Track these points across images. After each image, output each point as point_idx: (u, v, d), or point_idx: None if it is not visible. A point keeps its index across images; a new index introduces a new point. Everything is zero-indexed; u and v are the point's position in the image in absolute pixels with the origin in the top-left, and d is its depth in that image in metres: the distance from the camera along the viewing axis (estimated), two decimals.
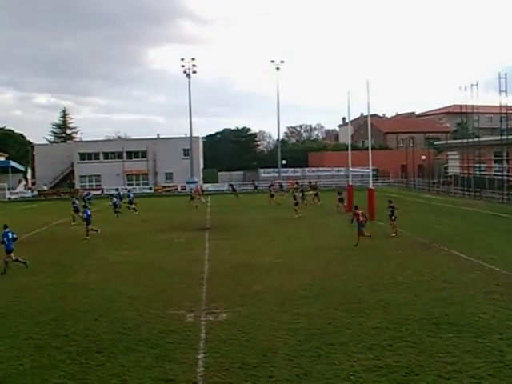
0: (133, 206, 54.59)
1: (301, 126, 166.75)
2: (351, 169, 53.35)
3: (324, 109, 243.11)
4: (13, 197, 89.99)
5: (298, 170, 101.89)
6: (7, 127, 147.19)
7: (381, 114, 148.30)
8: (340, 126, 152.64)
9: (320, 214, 47.21)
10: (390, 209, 32.57)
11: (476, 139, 67.13)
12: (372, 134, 50.69)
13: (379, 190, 64.28)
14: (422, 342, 14.09)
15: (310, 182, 73.35)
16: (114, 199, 53.28)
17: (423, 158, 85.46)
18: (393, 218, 32.40)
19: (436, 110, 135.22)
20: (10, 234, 25.65)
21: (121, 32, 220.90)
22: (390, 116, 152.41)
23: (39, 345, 14.82)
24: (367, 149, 47.87)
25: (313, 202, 55.81)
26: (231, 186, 79.80)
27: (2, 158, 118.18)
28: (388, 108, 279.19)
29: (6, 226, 26.33)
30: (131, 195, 58.75)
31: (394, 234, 32.00)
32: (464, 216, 43.99)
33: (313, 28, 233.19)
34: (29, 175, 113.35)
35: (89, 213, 37.00)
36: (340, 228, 36.72)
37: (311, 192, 59.11)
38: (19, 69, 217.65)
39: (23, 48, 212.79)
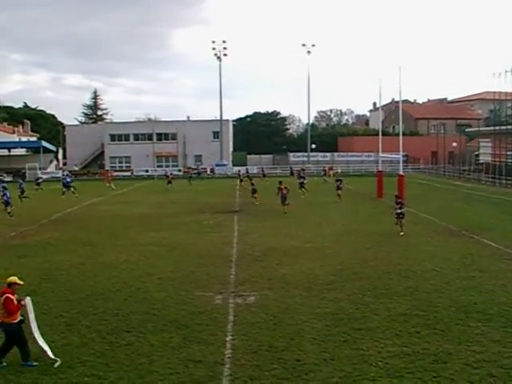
0: (71, 189, 55.02)
1: (331, 111, 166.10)
2: (381, 154, 53.01)
3: (354, 94, 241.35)
4: (44, 176, 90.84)
5: (328, 154, 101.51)
6: (39, 108, 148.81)
7: (412, 100, 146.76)
8: (370, 111, 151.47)
9: (350, 199, 47.03)
10: (399, 205, 28.98)
11: (509, 126, 66.28)
12: (403, 120, 50.19)
13: (409, 176, 63.73)
14: (450, 330, 14.03)
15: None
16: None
17: (454, 144, 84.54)
18: (401, 215, 28.77)
19: (468, 96, 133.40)
20: None
21: (149, 14, 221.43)
22: (421, 102, 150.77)
23: (70, 323, 15.05)
24: (398, 134, 47.53)
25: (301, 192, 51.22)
26: (262, 169, 79.51)
27: (34, 138, 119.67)
28: (419, 93, 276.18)
29: None
30: (68, 179, 58.81)
31: (402, 233, 28.00)
32: (495, 204, 43.53)
33: (345, 12, 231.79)
34: (60, 155, 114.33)
35: (8, 195, 39.36)
36: (370, 213, 36.60)
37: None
38: (50, 50, 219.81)
39: (54, 29, 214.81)
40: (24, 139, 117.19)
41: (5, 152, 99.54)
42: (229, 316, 15.43)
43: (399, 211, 28.66)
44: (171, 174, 69.43)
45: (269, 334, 13.87)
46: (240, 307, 16.25)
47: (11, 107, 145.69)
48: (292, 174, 76.27)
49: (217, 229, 31.19)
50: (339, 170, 79.72)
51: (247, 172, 75.17)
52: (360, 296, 17.16)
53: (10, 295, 12.18)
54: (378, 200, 46.11)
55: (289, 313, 15.60)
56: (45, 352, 12.34)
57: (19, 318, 12.30)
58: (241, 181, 62.13)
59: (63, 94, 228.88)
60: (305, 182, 50.71)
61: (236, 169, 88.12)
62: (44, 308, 16.36)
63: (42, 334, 13.87)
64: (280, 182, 40.83)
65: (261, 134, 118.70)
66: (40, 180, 69.43)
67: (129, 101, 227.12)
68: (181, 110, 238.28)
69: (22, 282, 12.68)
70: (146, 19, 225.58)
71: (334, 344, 13.14)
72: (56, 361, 12.22)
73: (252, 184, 46.92)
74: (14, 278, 12.59)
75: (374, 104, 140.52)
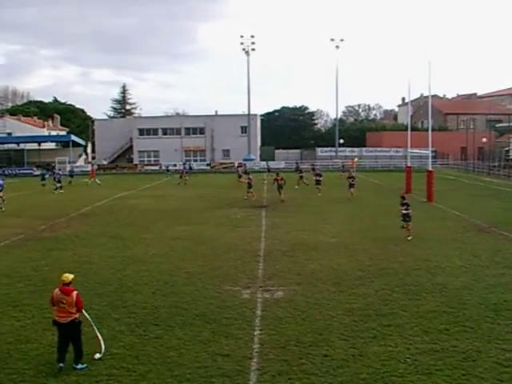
0: (59, 184, 54.93)
1: (359, 106, 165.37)
2: (410, 150, 52.61)
3: (383, 88, 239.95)
4: (74, 170, 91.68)
5: (356, 149, 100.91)
6: (68, 102, 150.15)
7: (441, 95, 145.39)
8: (399, 106, 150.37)
9: (378, 194, 46.81)
10: (404, 206, 26.34)
11: None
12: (432, 115, 49.73)
13: (438, 171, 63.20)
14: (480, 327, 13.91)
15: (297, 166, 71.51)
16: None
17: (484, 140, 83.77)
18: (407, 218, 26.13)
19: (498, 91, 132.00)
20: None
21: (177, 8, 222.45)
22: (450, 97, 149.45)
23: (99, 315, 15.14)
24: (427, 130, 47.19)
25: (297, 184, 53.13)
26: (296, 163, 78.82)
27: (64, 133, 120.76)
28: (449, 88, 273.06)
29: None
30: (60, 173, 58.46)
31: (409, 238, 25.64)
32: None
33: (373, 6, 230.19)
34: (89, 149, 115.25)
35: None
36: (398, 209, 36.29)
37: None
38: (80, 45, 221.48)
39: (83, 24, 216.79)
40: (54, 133, 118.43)
41: (35, 146, 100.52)
42: (257, 310, 15.46)
43: (405, 212, 26.18)
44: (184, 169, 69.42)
45: (297, 329, 13.88)
46: (268, 302, 16.27)
47: (41, 102, 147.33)
48: (298, 170, 68.90)
49: (245, 223, 31.23)
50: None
51: (245, 167, 75.18)
52: (388, 292, 17.09)
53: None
54: (406, 196, 45.67)
55: (317, 308, 15.59)
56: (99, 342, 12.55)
57: None
58: (239, 176, 60.70)
59: (92, 89, 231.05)
60: (321, 179, 48.19)
61: (263, 163, 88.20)
62: None
63: None
64: (277, 174, 46.79)
65: (288, 128, 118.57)
66: (73, 173, 71.16)
67: (157, 95, 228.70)
68: (210, 104, 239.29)
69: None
70: (174, 14, 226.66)
71: (363, 340, 13.11)
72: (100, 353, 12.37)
73: (249, 179, 46.31)
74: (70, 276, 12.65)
75: (403, 99, 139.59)
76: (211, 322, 14.45)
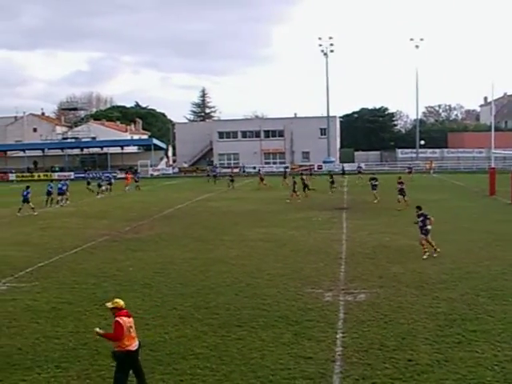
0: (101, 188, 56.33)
1: (439, 106, 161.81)
2: (494, 150, 51.21)
3: (464, 88, 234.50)
4: (155, 173, 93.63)
5: (437, 150, 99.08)
6: (149, 107, 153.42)
7: None
8: (481, 105, 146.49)
9: (461, 196, 45.82)
10: (421, 218, 22.80)
11: None
12: None
13: None
14: None
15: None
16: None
17: None
18: (424, 231, 22.35)
19: None
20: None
21: (254, 11, 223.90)
22: None
23: (183, 316, 15.41)
24: (511, 130, 45.81)
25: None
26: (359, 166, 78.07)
27: (145, 136, 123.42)
28: None
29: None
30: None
31: (428, 254, 22.04)
32: None
33: (453, 4, 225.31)
34: (170, 153, 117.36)
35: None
36: (481, 211, 35.50)
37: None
38: (159, 50, 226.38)
39: (163, 30, 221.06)
40: (136, 137, 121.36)
41: (118, 150, 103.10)
42: (339, 313, 15.34)
43: (422, 226, 22.47)
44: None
45: (380, 333, 13.70)
46: (350, 305, 16.13)
47: (124, 106, 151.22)
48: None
49: (326, 226, 31.09)
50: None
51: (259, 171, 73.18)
52: (474, 296, 16.64)
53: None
54: (490, 198, 44.60)
55: (400, 311, 15.34)
56: None
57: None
58: (261, 179, 60.53)
59: (172, 93, 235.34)
60: (377, 183, 43.88)
61: (342, 165, 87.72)
62: (158, 301, 16.90)
63: (156, 326, 14.40)
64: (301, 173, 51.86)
65: (368, 130, 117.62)
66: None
67: (235, 98, 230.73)
68: (287, 106, 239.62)
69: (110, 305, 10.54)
70: (250, 17, 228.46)
71: (448, 345, 12.81)
72: None
73: (296, 182, 45.54)
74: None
75: (485, 98, 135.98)
76: (293, 324, 14.44)
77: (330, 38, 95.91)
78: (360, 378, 11.24)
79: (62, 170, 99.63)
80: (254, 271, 20.38)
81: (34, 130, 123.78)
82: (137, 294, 17.63)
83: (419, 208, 23.72)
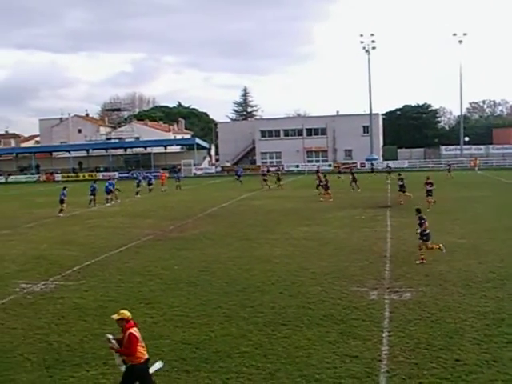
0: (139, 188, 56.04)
1: (484, 102, 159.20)
2: None
3: (509, 83, 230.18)
4: (198, 172, 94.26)
5: (482, 147, 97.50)
6: (192, 106, 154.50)
7: None
8: None
9: (506, 194, 45.03)
10: (421, 220, 21.44)
11: None
12: None
13: None
14: None
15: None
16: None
17: None
18: (424, 236, 21.03)
19: None
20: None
21: (295, 9, 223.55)
22: None
23: (228, 314, 15.48)
24: None
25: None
26: (388, 166, 76.88)
27: (188, 136, 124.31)
28: None
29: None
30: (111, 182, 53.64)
31: (425, 261, 20.69)
32: None
33: None
34: (212, 152, 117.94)
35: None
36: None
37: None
38: (201, 50, 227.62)
39: (204, 30, 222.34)
40: (179, 137, 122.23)
41: (161, 149, 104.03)
42: (384, 312, 15.23)
43: (421, 231, 21.20)
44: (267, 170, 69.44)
45: (426, 332, 13.54)
46: (396, 303, 15.99)
47: (166, 106, 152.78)
48: (264, 174, 63.92)
49: (369, 224, 30.86)
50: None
51: (268, 170, 75.07)
52: None
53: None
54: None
55: (447, 310, 15.15)
56: None
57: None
58: (278, 180, 59.55)
59: (214, 93, 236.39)
60: (432, 188, 39.40)
61: (386, 163, 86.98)
62: (203, 299, 17.01)
63: (201, 325, 14.49)
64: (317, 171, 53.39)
65: (411, 127, 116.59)
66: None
67: (276, 97, 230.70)
68: (329, 104, 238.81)
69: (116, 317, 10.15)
70: (290, 15, 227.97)
71: (496, 345, 12.59)
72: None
73: (326, 180, 45.42)
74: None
75: None
76: (339, 323, 14.38)
77: (372, 34, 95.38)
78: (407, 377, 11.15)
79: (106, 170, 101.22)
80: (298, 269, 20.35)
81: (79, 131, 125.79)
82: (182, 293, 17.79)
83: (418, 211, 22.26)
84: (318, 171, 57.23)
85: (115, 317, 10.06)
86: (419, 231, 21.26)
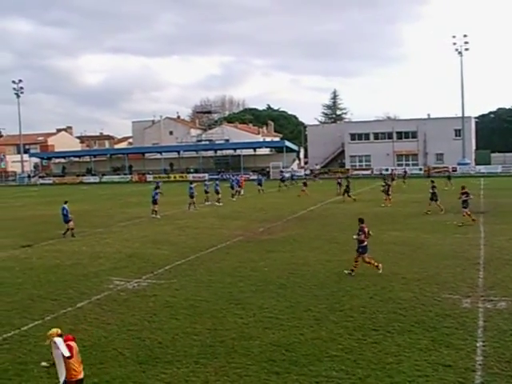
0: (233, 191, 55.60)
1: None
2: None
3: None
4: (287, 175, 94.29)
5: None
6: (281, 109, 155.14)
7: None
8: None
9: None
10: (360, 231, 20.84)
11: None
12: None
13: None
14: None
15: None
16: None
17: None
18: (361, 248, 20.55)
19: None
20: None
21: (384, 11, 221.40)
22: None
23: (318, 317, 15.47)
24: None
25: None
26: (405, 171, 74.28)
27: (277, 138, 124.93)
28: None
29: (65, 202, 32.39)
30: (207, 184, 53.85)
31: (354, 273, 20.20)
32: None
33: None
34: (301, 154, 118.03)
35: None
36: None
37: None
38: (289, 52, 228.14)
39: (292, 32, 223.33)
40: (268, 139, 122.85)
41: (250, 151, 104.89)
42: (478, 321, 14.86)
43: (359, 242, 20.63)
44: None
45: None
46: (490, 312, 15.57)
47: (255, 109, 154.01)
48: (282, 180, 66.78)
49: (461, 230, 30.13)
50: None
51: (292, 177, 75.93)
52: None
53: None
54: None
55: None
56: None
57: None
58: (285, 185, 60.77)
59: (302, 95, 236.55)
60: (434, 191, 38.53)
61: (478, 168, 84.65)
62: (292, 301, 17.09)
63: (291, 327, 14.52)
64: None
65: (506, 130, 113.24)
66: (294, 177, 75.89)
67: (366, 99, 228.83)
68: (420, 107, 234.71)
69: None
70: (379, 17, 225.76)
71: None
72: None
73: (388, 185, 44.40)
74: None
75: None
76: (431, 330, 14.13)
77: (465, 35, 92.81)
78: None
79: (196, 171, 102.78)
80: (388, 274, 20.12)
81: (170, 132, 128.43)
82: (272, 295, 17.91)
83: (361, 221, 21.28)
84: (391, 174, 55.70)
85: (47, 343, 9.90)
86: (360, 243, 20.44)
